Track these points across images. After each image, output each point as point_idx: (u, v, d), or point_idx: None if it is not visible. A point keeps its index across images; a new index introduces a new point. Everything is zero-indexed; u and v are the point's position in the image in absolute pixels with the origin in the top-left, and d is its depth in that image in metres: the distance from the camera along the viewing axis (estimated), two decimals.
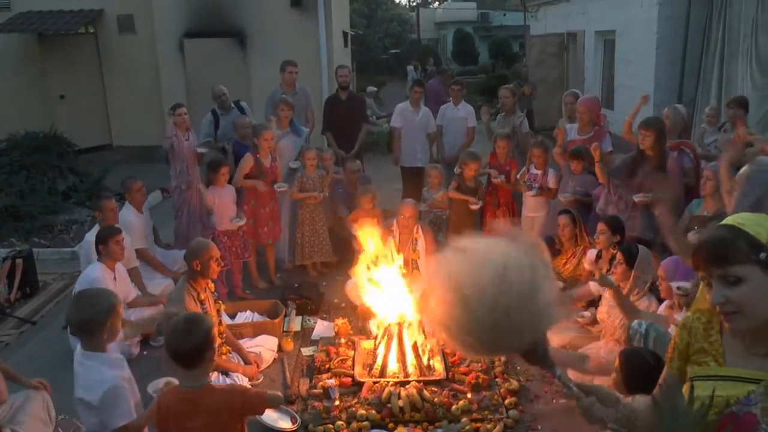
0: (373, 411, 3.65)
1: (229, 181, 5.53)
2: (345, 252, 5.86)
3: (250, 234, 5.54)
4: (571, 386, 1.58)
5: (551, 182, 5.53)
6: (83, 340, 2.75)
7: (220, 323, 3.99)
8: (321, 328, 4.91)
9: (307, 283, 5.54)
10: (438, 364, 4.11)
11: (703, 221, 4.12)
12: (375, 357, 4.17)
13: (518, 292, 1.50)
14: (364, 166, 6.69)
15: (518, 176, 5.73)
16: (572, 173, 5.32)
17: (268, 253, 5.83)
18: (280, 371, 4.31)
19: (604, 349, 3.92)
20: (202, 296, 3.92)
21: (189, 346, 2.46)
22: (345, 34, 13.54)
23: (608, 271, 4.39)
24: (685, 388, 1.53)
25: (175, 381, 2.84)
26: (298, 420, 3.62)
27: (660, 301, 3.87)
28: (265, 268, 5.83)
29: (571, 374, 3.69)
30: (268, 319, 4.76)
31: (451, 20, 34.84)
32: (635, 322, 3.12)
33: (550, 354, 1.59)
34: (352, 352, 4.36)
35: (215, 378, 3.76)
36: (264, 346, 4.38)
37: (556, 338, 4.41)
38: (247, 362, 4.17)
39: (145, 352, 4.55)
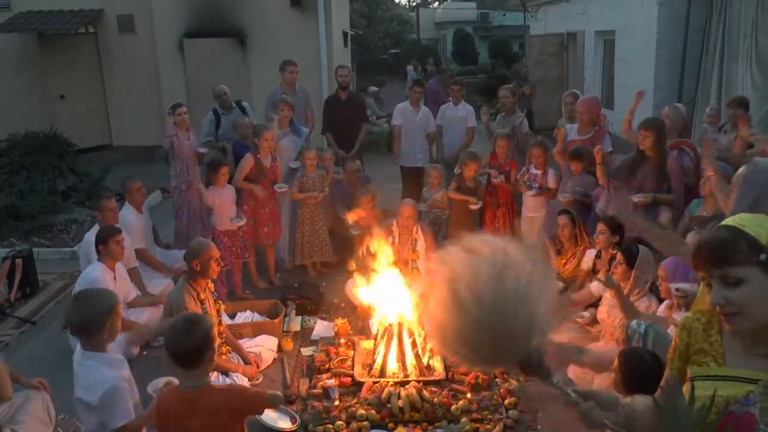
0: (373, 411, 3.65)
1: (229, 181, 5.53)
2: (345, 252, 5.86)
3: (249, 234, 5.54)
4: (569, 393, 1.59)
5: (551, 182, 5.53)
6: (83, 340, 2.75)
7: (219, 323, 3.99)
8: (321, 328, 4.91)
9: (307, 283, 5.54)
10: (438, 364, 4.11)
11: (703, 221, 4.12)
12: (375, 357, 4.17)
13: (513, 298, 1.50)
14: (364, 166, 6.70)
15: (518, 176, 5.73)
16: (572, 173, 5.32)
17: (268, 253, 5.83)
18: (279, 371, 4.32)
19: (604, 349, 3.92)
20: (202, 296, 3.92)
21: (189, 346, 2.46)
22: (345, 34, 13.55)
23: (608, 271, 4.39)
24: (686, 388, 1.53)
25: (175, 381, 2.85)
26: (298, 420, 3.62)
27: (660, 301, 3.87)
28: (264, 268, 5.84)
29: (570, 373, 3.70)
30: (268, 319, 4.77)
31: (450, 20, 34.83)
32: (634, 322, 3.12)
33: (547, 364, 1.59)
34: (352, 352, 4.36)
35: (215, 378, 3.76)
36: (264, 346, 4.39)
37: (555, 337, 4.42)
38: (246, 362, 4.17)
39: (145, 352, 4.54)
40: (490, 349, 1.55)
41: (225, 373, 3.94)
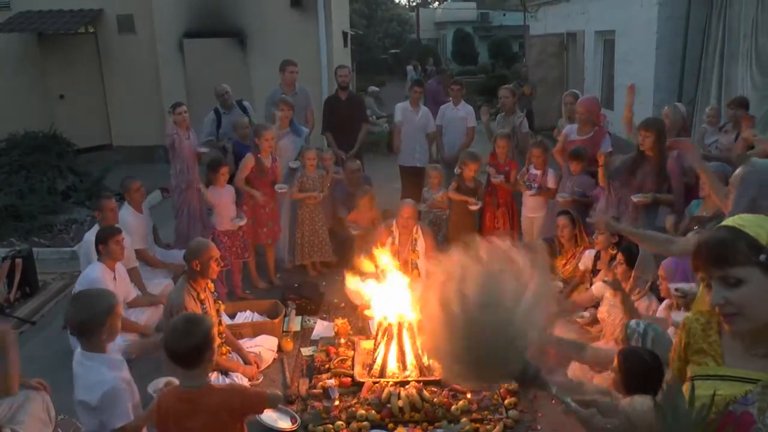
0: (373, 411, 3.65)
1: (229, 181, 5.54)
2: (345, 252, 5.87)
3: (249, 234, 5.54)
4: (569, 402, 1.59)
5: (550, 182, 5.53)
6: (83, 340, 2.75)
7: (219, 323, 3.99)
8: (321, 328, 4.91)
9: (307, 283, 5.54)
10: (437, 364, 4.11)
11: (703, 222, 4.12)
12: (375, 357, 4.17)
13: (504, 318, 1.51)
14: (364, 166, 6.70)
15: (518, 176, 5.73)
16: (571, 174, 5.32)
17: (268, 253, 5.83)
18: (279, 371, 4.32)
19: (605, 348, 3.92)
20: (202, 296, 3.92)
21: (188, 346, 2.46)
22: (345, 34, 13.55)
23: (608, 271, 4.39)
24: (685, 388, 1.53)
25: (176, 381, 2.85)
26: (298, 420, 3.62)
27: (661, 301, 3.87)
28: (264, 268, 5.84)
29: (571, 370, 3.70)
30: (268, 319, 4.77)
31: (450, 20, 34.84)
32: (633, 322, 3.12)
33: (543, 376, 1.60)
34: (352, 352, 4.36)
35: (215, 378, 3.76)
36: (264, 346, 4.39)
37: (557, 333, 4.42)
38: (246, 362, 4.17)
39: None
40: (484, 365, 1.56)
41: (225, 373, 3.94)
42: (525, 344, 1.56)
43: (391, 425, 3.58)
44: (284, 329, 4.78)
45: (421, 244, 5.13)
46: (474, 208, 5.54)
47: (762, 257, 1.39)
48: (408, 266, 5.10)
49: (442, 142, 6.86)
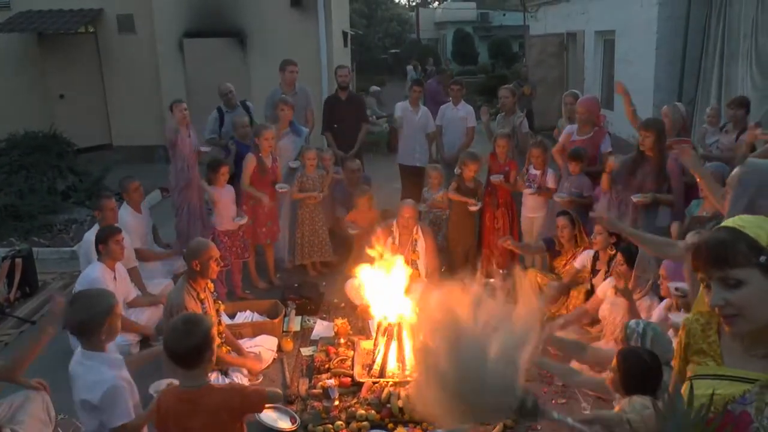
0: (373, 411, 3.65)
1: (229, 181, 5.54)
2: (345, 252, 5.87)
3: (248, 234, 5.54)
4: (573, 424, 1.60)
5: (550, 182, 5.52)
6: (83, 340, 2.76)
7: (219, 323, 4.00)
8: (320, 328, 4.91)
9: (307, 283, 5.54)
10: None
11: (703, 222, 4.12)
12: (374, 357, 4.17)
13: (491, 367, 1.52)
14: (364, 165, 6.70)
15: (518, 177, 5.72)
16: (569, 174, 5.32)
17: (268, 253, 5.83)
18: (279, 371, 4.32)
19: (605, 348, 3.92)
20: (202, 296, 3.92)
21: (188, 346, 2.46)
22: (345, 34, 13.55)
23: (607, 272, 4.39)
24: (685, 387, 1.54)
25: (177, 383, 2.85)
26: (298, 420, 3.62)
27: (662, 300, 3.87)
28: (264, 268, 5.84)
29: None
30: (268, 319, 4.77)
31: (450, 20, 34.83)
32: (632, 322, 3.12)
33: (541, 405, 1.61)
34: (352, 352, 4.36)
35: (214, 378, 3.76)
36: (263, 346, 4.38)
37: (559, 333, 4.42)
38: None
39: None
40: (480, 411, 1.57)
41: (225, 372, 3.95)
42: (516, 383, 1.56)
43: (391, 425, 3.58)
44: (284, 329, 4.78)
45: (421, 245, 5.13)
46: (474, 208, 5.54)
47: (762, 258, 1.39)
48: (408, 267, 5.09)
49: (442, 142, 6.86)
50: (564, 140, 5.49)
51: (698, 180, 3.70)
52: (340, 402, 3.82)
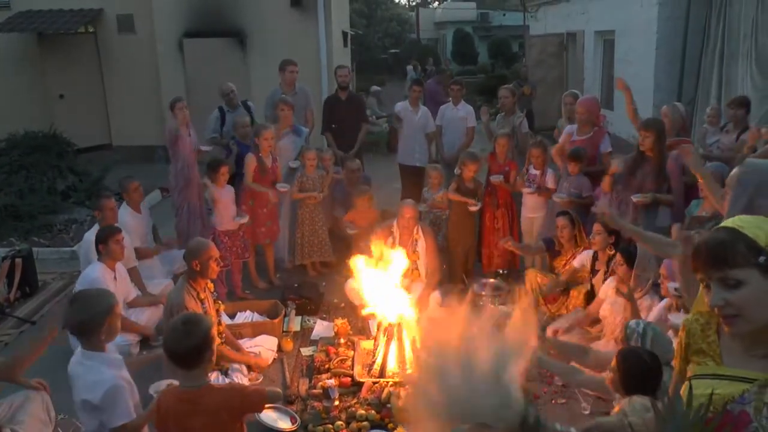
0: (373, 411, 3.65)
1: (229, 181, 5.54)
2: (345, 252, 5.87)
3: (248, 234, 5.54)
4: None
5: (550, 182, 5.52)
6: (82, 340, 2.76)
7: (219, 323, 4.00)
8: (320, 328, 4.91)
9: (307, 283, 5.55)
10: None
11: (702, 222, 4.12)
12: (374, 357, 4.17)
13: (484, 388, 1.52)
14: (364, 165, 6.70)
15: (518, 178, 5.73)
16: (568, 174, 5.32)
17: (268, 253, 5.83)
18: (279, 371, 4.32)
19: (605, 348, 3.93)
20: (202, 296, 3.92)
21: (188, 346, 2.47)
22: (345, 34, 13.54)
23: (606, 272, 4.39)
24: (684, 387, 1.54)
25: (177, 383, 2.85)
26: (298, 420, 3.63)
27: (663, 299, 3.88)
28: (264, 268, 5.84)
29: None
30: (268, 319, 4.77)
31: (450, 20, 34.82)
32: (633, 322, 3.13)
33: (543, 421, 1.61)
34: (352, 352, 4.36)
35: (214, 378, 3.76)
36: (263, 346, 4.39)
37: (549, 330, 4.42)
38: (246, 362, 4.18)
39: (144, 353, 4.54)
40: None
41: (225, 372, 3.95)
42: (513, 398, 1.56)
43: (390, 425, 3.58)
44: (284, 329, 4.79)
45: (421, 245, 5.12)
46: (474, 209, 5.54)
47: (761, 259, 1.39)
48: (408, 267, 5.09)
49: (442, 143, 6.87)
50: (564, 141, 5.49)
51: (699, 180, 3.71)
52: (340, 402, 3.82)
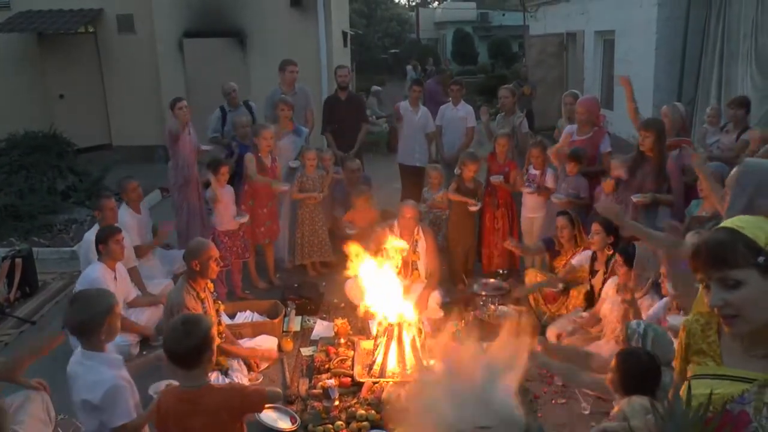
0: (373, 411, 3.65)
1: (229, 181, 5.54)
2: (344, 252, 5.86)
3: (248, 234, 5.54)
4: None
5: (549, 182, 5.52)
6: (82, 340, 2.76)
7: (219, 323, 4.00)
8: (320, 328, 4.91)
9: (307, 283, 5.55)
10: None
11: (702, 222, 4.12)
12: (374, 357, 4.17)
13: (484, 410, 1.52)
14: (364, 165, 6.70)
15: (518, 178, 5.73)
16: (566, 175, 5.31)
17: (267, 253, 5.84)
18: (279, 371, 4.32)
19: (606, 348, 3.93)
20: (202, 295, 3.92)
21: (187, 347, 2.47)
22: (344, 34, 13.54)
23: (606, 272, 4.39)
24: (684, 388, 1.55)
25: (176, 383, 2.85)
26: (298, 420, 3.63)
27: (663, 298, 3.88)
28: (264, 268, 5.84)
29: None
30: (268, 319, 4.77)
31: (450, 20, 34.82)
32: (634, 322, 3.13)
33: None
34: (352, 352, 4.36)
35: (214, 378, 3.76)
36: (263, 346, 4.39)
37: (553, 334, 4.43)
38: (246, 362, 4.18)
39: (144, 353, 4.54)
40: None
41: (225, 372, 3.95)
42: (517, 416, 1.56)
43: (391, 425, 3.58)
44: (284, 329, 4.79)
45: (422, 246, 5.11)
46: (474, 209, 5.54)
47: (760, 259, 1.40)
48: (409, 268, 5.10)
49: (442, 143, 6.87)
50: (564, 141, 5.49)
51: (702, 181, 3.71)
52: (340, 402, 3.82)
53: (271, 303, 5.00)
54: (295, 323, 4.93)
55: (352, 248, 4.43)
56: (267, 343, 4.44)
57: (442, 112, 6.86)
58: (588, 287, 4.61)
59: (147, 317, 4.76)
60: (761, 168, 2.32)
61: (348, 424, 3.58)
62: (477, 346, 1.69)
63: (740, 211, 2.10)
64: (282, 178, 5.76)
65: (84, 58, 11.04)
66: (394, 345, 4.11)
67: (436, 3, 44.56)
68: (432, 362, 1.67)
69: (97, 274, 4.25)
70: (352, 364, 4.18)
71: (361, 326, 4.87)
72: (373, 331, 4.47)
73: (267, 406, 3.21)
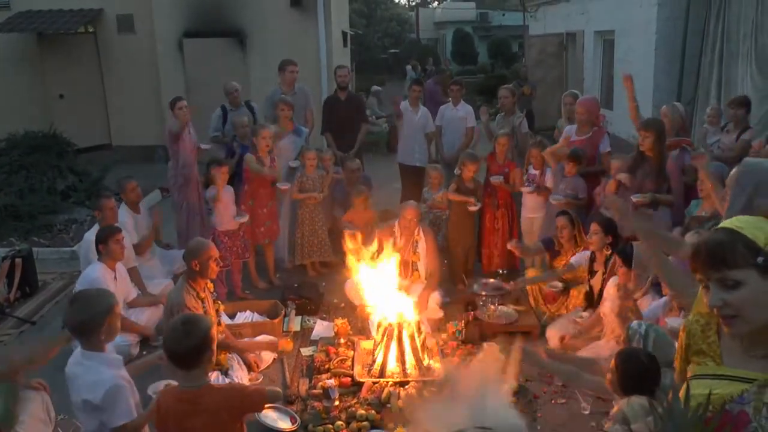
0: (373, 411, 3.65)
1: (229, 181, 5.54)
2: (344, 252, 5.86)
3: (247, 234, 5.54)
4: None
5: (549, 182, 5.53)
6: (82, 340, 2.76)
7: (219, 323, 4.00)
8: (320, 328, 4.91)
9: (307, 283, 5.55)
10: (437, 364, 4.11)
11: (701, 222, 4.13)
12: (374, 357, 4.18)
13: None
14: (364, 165, 6.70)
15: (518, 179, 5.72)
16: (563, 176, 5.31)
17: (267, 253, 5.84)
18: (279, 371, 4.32)
19: (606, 348, 3.93)
20: (202, 295, 3.92)
21: (187, 347, 2.47)
22: (344, 34, 13.54)
23: (605, 273, 4.39)
24: (683, 388, 1.55)
25: (175, 383, 2.85)
26: (298, 420, 3.63)
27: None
28: (264, 268, 5.84)
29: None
30: (268, 320, 4.77)
31: (450, 20, 34.84)
32: (635, 323, 3.13)
33: None
34: (352, 352, 4.36)
35: (214, 378, 3.76)
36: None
37: (556, 336, 4.42)
38: (246, 362, 4.18)
39: (144, 353, 4.54)
40: None
41: (224, 372, 3.95)
42: (519, 422, 1.57)
43: (391, 425, 3.58)
44: (284, 329, 4.79)
45: (422, 246, 5.11)
46: (473, 209, 5.54)
47: (759, 259, 1.40)
48: (409, 268, 5.10)
49: (442, 143, 6.87)
50: (564, 142, 5.49)
51: (705, 182, 3.70)
52: (340, 402, 3.82)
53: (271, 303, 5.01)
54: (295, 323, 4.93)
55: (350, 243, 4.44)
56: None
57: (442, 112, 6.86)
58: (587, 287, 4.61)
59: (147, 317, 4.76)
60: (760, 168, 2.32)
61: (348, 424, 3.58)
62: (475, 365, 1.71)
63: (739, 210, 2.10)
64: (282, 178, 5.76)
65: (84, 58, 11.04)
66: (394, 345, 4.11)
67: (436, 3, 44.58)
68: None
69: (97, 274, 4.25)
70: (352, 364, 4.18)
71: (361, 326, 4.87)
72: (373, 332, 4.47)
73: (267, 406, 3.21)
